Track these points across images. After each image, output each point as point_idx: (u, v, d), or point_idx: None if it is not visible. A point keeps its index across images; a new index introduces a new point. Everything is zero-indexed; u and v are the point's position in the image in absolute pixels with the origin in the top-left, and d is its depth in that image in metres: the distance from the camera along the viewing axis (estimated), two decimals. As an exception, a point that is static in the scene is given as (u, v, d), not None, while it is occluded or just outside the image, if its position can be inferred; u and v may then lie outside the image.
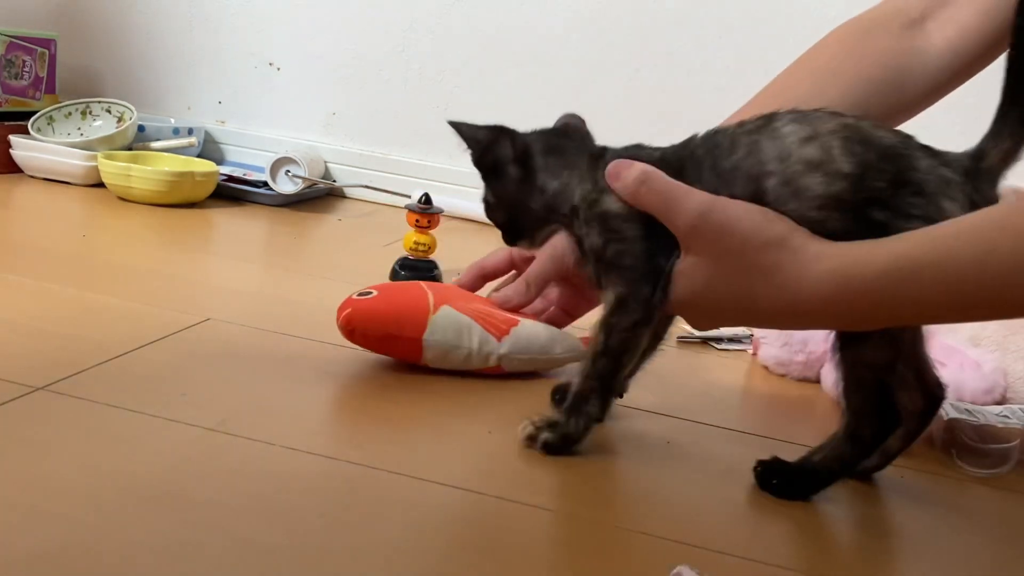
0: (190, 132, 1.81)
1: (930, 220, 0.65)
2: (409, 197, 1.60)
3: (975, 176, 0.67)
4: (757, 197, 0.69)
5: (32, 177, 1.62)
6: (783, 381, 1.05)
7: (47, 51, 1.79)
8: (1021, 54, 0.69)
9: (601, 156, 0.78)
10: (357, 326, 0.88)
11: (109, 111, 1.77)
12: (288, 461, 0.69)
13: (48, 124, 1.70)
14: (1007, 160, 0.68)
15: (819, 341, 1.03)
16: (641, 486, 0.74)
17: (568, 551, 0.63)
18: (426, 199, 1.27)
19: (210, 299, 1.08)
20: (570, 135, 0.83)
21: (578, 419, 0.75)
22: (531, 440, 0.75)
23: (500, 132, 0.81)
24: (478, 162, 0.82)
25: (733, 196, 0.69)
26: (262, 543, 0.58)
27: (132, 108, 1.73)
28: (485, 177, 0.82)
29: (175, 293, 1.08)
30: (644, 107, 1.72)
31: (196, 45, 1.92)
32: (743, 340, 1.15)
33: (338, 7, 1.85)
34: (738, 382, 1.06)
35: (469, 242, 1.64)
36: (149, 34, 1.95)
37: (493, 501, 0.67)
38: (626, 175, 0.72)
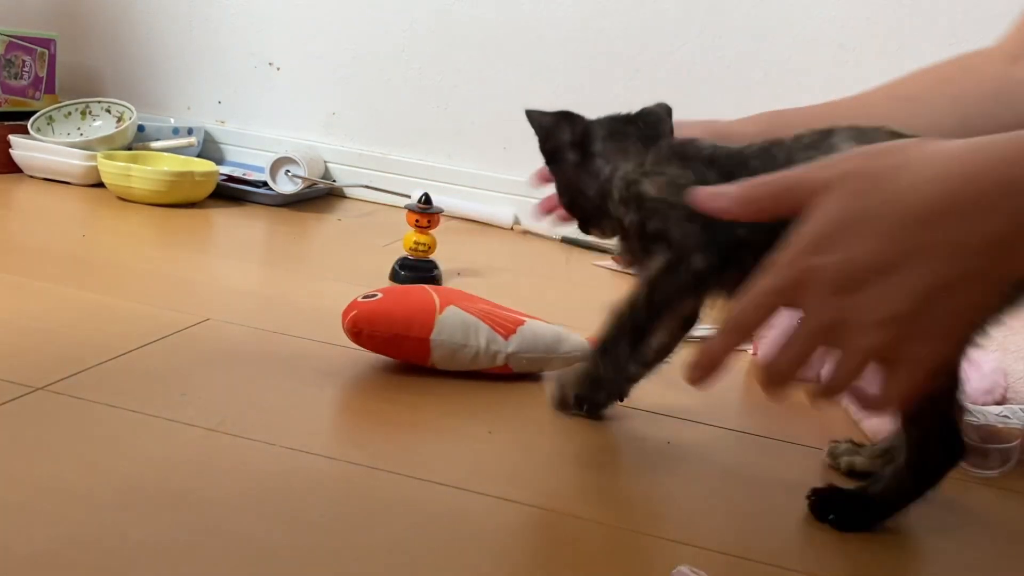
0: (190, 132, 1.81)
1: None
2: (409, 197, 1.60)
3: None
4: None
5: (32, 177, 1.62)
6: (783, 381, 1.05)
7: (47, 51, 1.79)
8: None
9: (655, 141, 0.78)
10: (364, 328, 0.88)
11: (109, 111, 1.77)
12: (288, 461, 0.69)
13: (48, 124, 1.70)
14: None
15: (819, 341, 1.03)
16: (641, 486, 0.74)
17: (568, 551, 0.62)
18: (426, 199, 1.27)
19: (210, 299, 1.08)
20: (640, 122, 0.81)
21: (606, 362, 0.74)
22: (562, 404, 0.75)
23: (562, 117, 0.80)
24: (542, 147, 0.81)
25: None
26: (262, 543, 0.58)
27: (132, 108, 1.73)
28: (548, 163, 0.82)
29: (175, 293, 1.08)
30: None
31: (196, 45, 1.93)
32: (743, 340, 1.15)
33: (338, 7, 1.85)
34: (738, 382, 1.06)
35: (469, 242, 1.64)
36: (149, 34, 1.95)
37: (493, 502, 0.67)
38: (724, 203, 0.61)
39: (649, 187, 0.73)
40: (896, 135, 0.67)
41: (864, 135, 0.68)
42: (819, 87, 1.65)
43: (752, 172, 0.68)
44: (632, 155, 0.77)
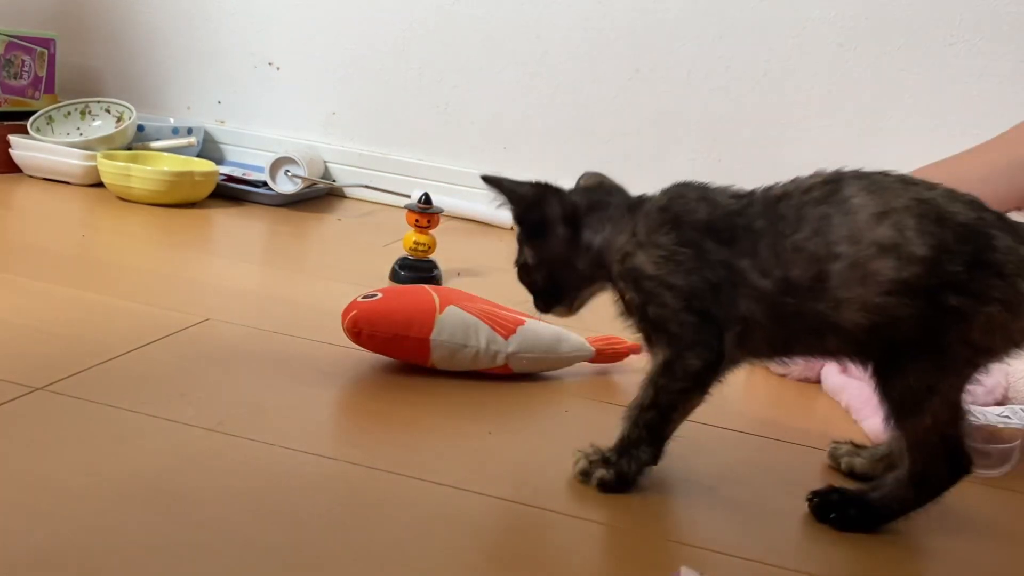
0: (189, 132, 1.81)
1: (1009, 304, 0.62)
2: (409, 197, 1.60)
3: None
4: (818, 280, 0.65)
5: (31, 177, 1.62)
6: (783, 381, 1.05)
7: (46, 51, 1.79)
8: None
9: (639, 206, 0.74)
10: (364, 328, 0.88)
11: (108, 111, 1.76)
12: (288, 461, 0.69)
13: (47, 124, 1.70)
14: None
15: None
16: (642, 487, 0.74)
17: (568, 551, 0.62)
18: (426, 199, 1.27)
19: (210, 299, 1.08)
20: (608, 189, 0.79)
21: (630, 461, 0.71)
22: (585, 475, 0.72)
23: (546, 190, 0.77)
24: (522, 219, 0.77)
25: (789, 279, 0.65)
26: (262, 543, 0.58)
27: (131, 108, 1.73)
28: (528, 236, 0.78)
29: (175, 293, 1.07)
30: (644, 107, 1.72)
31: (196, 45, 1.92)
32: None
33: (338, 7, 1.84)
34: (738, 382, 1.06)
35: (469, 242, 1.64)
36: (149, 34, 1.95)
37: (493, 502, 0.67)
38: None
39: (644, 261, 0.70)
40: (907, 184, 0.66)
41: (876, 187, 0.66)
42: (819, 87, 1.65)
43: (756, 233, 0.67)
44: (620, 222, 0.74)
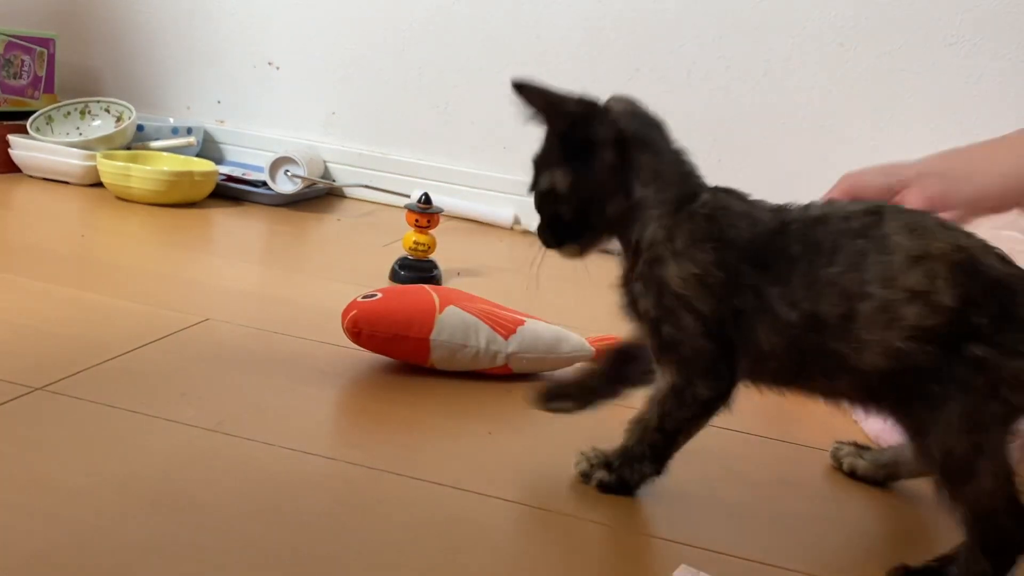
0: (189, 132, 1.81)
1: None
2: (409, 197, 1.60)
3: None
4: (846, 317, 0.62)
5: (31, 177, 1.62)
6: (783, 381, 1.05)
7: (46, 50, 1.79)
8: None
9: (690, 201, 0.68)
10: (364, 328, 0.88)
11: (108, 111, 1.76)
12: (288, 461, 0.69)
13: (47, 124, 1.70)
14: None
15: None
16: (642, 487, 0.74)
17: (568, 552, 0.62)
18: (426, 199, 1.27)
19: (209, 299, 1.08)
20: (654, 124, 0.71)
21: (632, 471, 0.70)
22: (585, 477, 0.71)
23: (593, 105, 0.69)
24: (566, 135, 0.69)
25: (817, 313, 0.63)
26: (262, 543, 0.58)
27: (131, 107, 1.73)
28: (568, 156, 0.69)
29: (174, 293, 1.07)
30: (644, 107, 1.72)
31: (196, 44, 1.92)
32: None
33: (338, 7, 1.84)
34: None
35: (469, 242, 1.64)
36: (148, 33, 1.94)
37: (493, 502, 0.67)
38: None
39: (674, 275, 0.66)
40: (949, 230, 0.64)
41: (919, 227, 0.63)
42: (819, 86, 1.65)
43: (791, 260, 0.64)
44: (666, 194, 0.68)
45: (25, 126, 1.64)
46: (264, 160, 1.68)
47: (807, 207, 0.67)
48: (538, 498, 0.69)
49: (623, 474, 0.70)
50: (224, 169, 1.71)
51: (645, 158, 0.69)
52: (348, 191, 1.85)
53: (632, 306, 0.70)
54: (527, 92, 0.71)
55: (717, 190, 0.71)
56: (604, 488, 0.70)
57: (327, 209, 1.72)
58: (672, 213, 0.68)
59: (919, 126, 1.61)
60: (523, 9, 1.76)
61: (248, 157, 1.88)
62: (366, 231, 1.61)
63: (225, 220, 1.53)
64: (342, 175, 1.87)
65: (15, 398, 0.73)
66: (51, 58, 1.80)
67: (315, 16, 1.86)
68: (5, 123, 1.66)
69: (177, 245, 1.35)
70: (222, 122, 1.93)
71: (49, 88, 1.80)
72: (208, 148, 1.90)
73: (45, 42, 1.79)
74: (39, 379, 0.76)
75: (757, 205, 0.69)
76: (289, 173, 1.64)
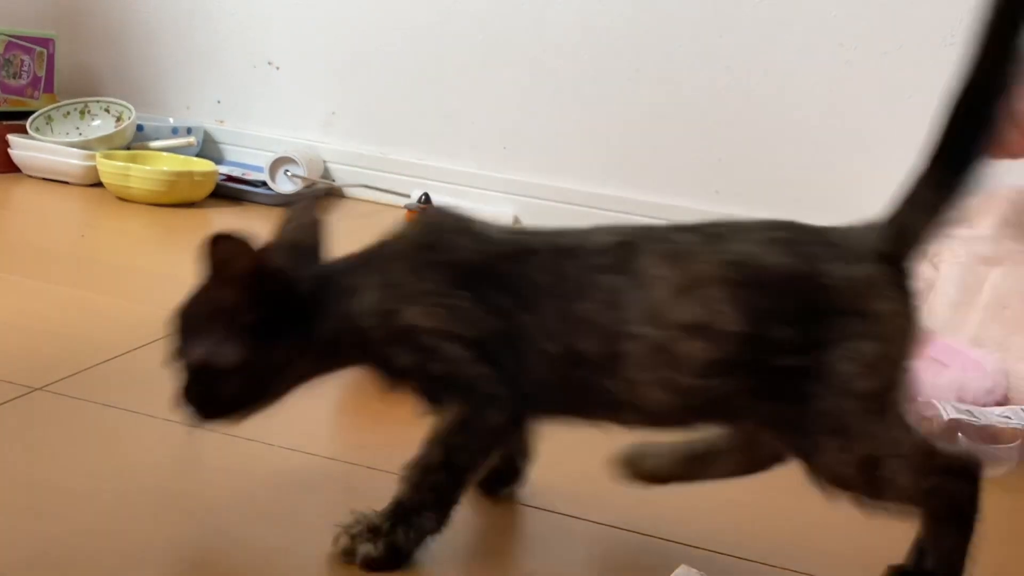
0: (189, 131, 1.81)
1: (867, 334, 0.54)
2: (409, 197, 1.60)
3: (895, 257, 0.56)
4: (611, 357, 0.56)
5: (31, 177, 1.62)
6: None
7: (46, 50, 1.79)
8: (974, 99, 0.57)
9: (380, 250, 0.63)
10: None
11: (108, 110, 1.76)
12: (288, 461, 0.69)
13: (47, 124, 1.70)
14: (923, 240, 0.57)
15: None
16: (642, 487, 0.74)
17: (568, 552, 0.62)
18: (426, 199, 1.27)
19: (209, 299, 1.07)
20: (311, 246, 0.65)
21: (408, 531, 0.58)
22: (348, 555, 0.57)
23: (263, 274, 0.59)
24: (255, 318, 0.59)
25: (577, 350, 0.56)
26: (262, 543, 0.58)
27: (131, 107, 1.73)
28: (262, 336, 0.59)
29: (174, 293, 1.07)
30: (644, 107, 1.72)
31: (195, 44, 1.92)
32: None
33: (338, 6, 1.84)
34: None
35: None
36: (148, 33, 1.94)
37: (492, 502, 0.67)
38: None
39: (417, 315, 0.58)
40: (713, 242, 0.57)
41: (677, 254, 0.57)
42: (819, 86, 1.65)
43: (539, 289, 0.58)
44: (361, 280, 0.60)
45: (25, 126, 1.64)
46: (264, 160, 1.68)
47: (558, 234, 0.61)
48: (538, 498, 0.68)
49: (396, 540, 0.57)
50: (224, 169, 1.71)
51: (327, 291, 0.61)
52: (348, 191, 1.85)
53: (391, 377, 0.61)
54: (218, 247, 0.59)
55: (421, 217, 0.66)
56: (370, 566, 0.57)
57: (327, 209, 1.72)
58: (369, 270, 0.61)
59: (919, 126, 1.60)
60: (523, 9, 1.76)
61: (248, 157, 1.88)
62: (366, 231, 1.60)
63: (225, 220, 1.53)
64: (342, 175, 1.87)
65: (15, 398, 0.72)
66: (51, 58, 1.80)
67: (315, 16, 1.86)
68: (5, 123, 1.66)
69: (177, 245, 1.35)
70: (222, 122, 1.93)
71: (49, 88, 1.80)
72: (208, 148, 1.90)
73: (45, 42, 1.79)
74: (39, 379, 0.76)
75: (482, 225, 0.62)
76: (289, 173, 1.64)
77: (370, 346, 0.60)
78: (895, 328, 0.56)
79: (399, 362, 0.59)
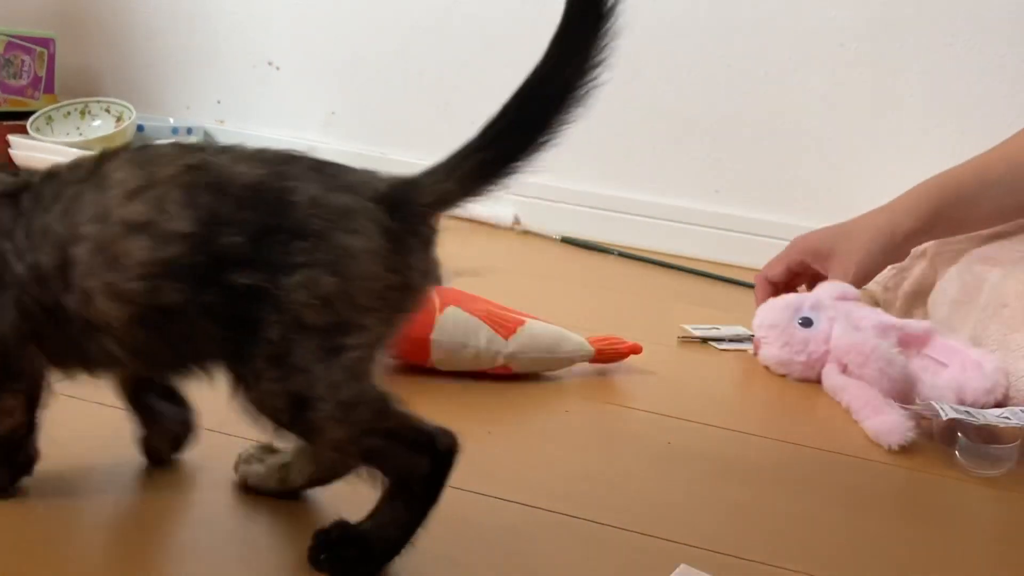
0: (189, 131, 1.81)
1: (328, 265, 0.51)
2: (409, 197, 1.59)
3: (397, 204, 0.55)
4: (64, 266, 0.53)
5: (31, 177, 1.62)
6: (783, 381, 1.05)
7: (46, 50, 1.79)
8: (542, 87, 0.58)
9: None
10: (360, 327, 0.88)
11: (108, 111, 1.77)
12: (288, 461, 0.69)
13: (47, 124, 1.70)
14: (443, 204, 0.57)
15: (820, 341, 1.03)
16: (641, 486, 0.74)
17: (568, 552, 0.62)
18: (426, 199, 1.26)
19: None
20: None
21: None
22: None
23: None
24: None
25: (39, 265, 0.54)
26: (261, 543, 0.58)
27: (131, 107, 1.73)
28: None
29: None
30: (644, 107, 1.72)
31: (195, 44, 1.92)
32: (743, 340, 1.15)
33: (338, 7, 1.84)
34: (738, 382, 1.06)
35: (469, 242, 1.64)
36: (148, 33, 1.95)
37: (492, 502, 0.67)
38: None
39: None
40: (186, 152, 0.55)
41: (144, 158, 0.55)
42: (819, 86, 1.65)
43: (19, 214, 0.56)
44: None
45: (25, 126, 1.64)
46: (264, 160, 1.68)
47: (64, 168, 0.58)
48: (538, 498, 0.68)
49: None
50: (224, 169, 1.71)
51: None
52: (348, 191, 1.85)
53: None
54: None
55: None
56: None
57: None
58: None
59: (919, 126, 1.61)
60: (523, 9, 1.76)
61: (248, 157, 1.88)
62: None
63: (225, 220, 1.53)
64: (342, 175, 1.87)
65: (15, 398, 0.72)
66: (51, 58, 1.80)
67: (315, 16, 1.86)
68: (5, 123, 1.66)
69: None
70: (222, 122, 1.93)
71: (49, 88, 1.80)
72: (208, 148, 1.90)
73: (45, 42, 1.79)
74: (39, 379, 0.76)
75: None
76: (289, 173, 1.64)
77: None
78: (363, 269, 0.52)
79: None
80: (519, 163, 0.55)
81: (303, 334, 0.51)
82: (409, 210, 0.55)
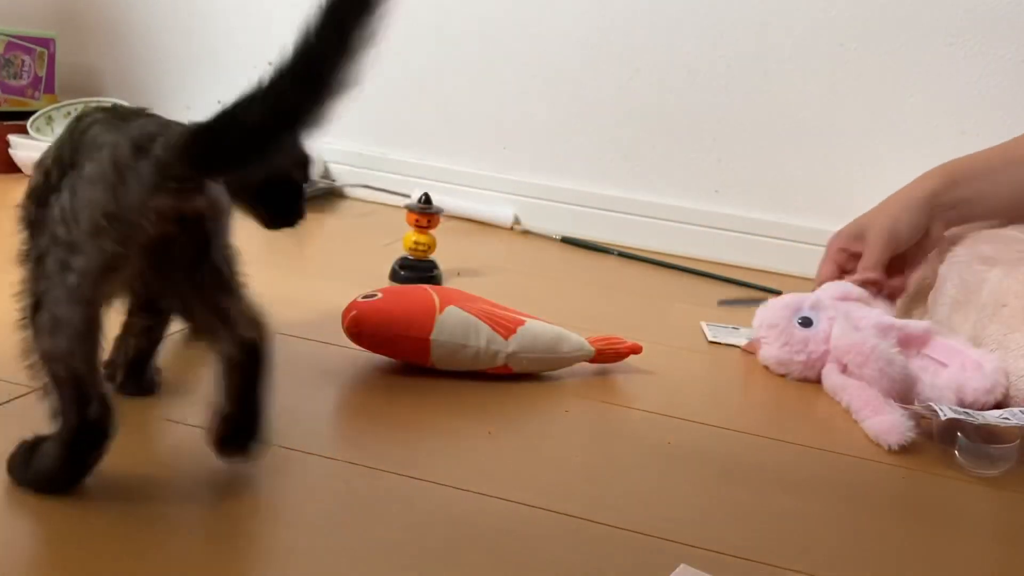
0: (189, 132, 1.81)
1: (71, 188, 0.58)
2: (409, 197, 1.60)
3: (141, 147, 0.58)
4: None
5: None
6: (783, 381, 1.05)
7: (46, 50, 1.79)
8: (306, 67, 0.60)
9: None
10: (364, 328, 0.88)
11: (108, 111, 1.76)
12: (287, 461, 0.69)
13: (47, 124, 1.70)
14: (168, 167, 0.58)
15: (820, 341, 1.03)
16: (641, 486, 0.74)
17: (568, 552, 0.62)
18: (426, 199, 1.27)
19: (210, 299, 1.07)
20: None
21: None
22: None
23: None
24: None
25: None
26: (262, 544, 0.58)
27: (131, 108, 1.73)
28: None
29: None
30: (644, 107, 1.72)
31: (195, 44, 1.92)
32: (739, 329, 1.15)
33: (338, 7, 1.84)
34: (738, 382, 1.06)
35: (469, 242, 1.64)
36: (148, 33, 1.95)
37: (493, 502, 0.67)
38: None
39: None
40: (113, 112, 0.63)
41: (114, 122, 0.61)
42: (819, 86, 1.65)
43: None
44: None
45: (25, 126, 1.64)
46: (264, 160, 1.68)
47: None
48: (538, 498, 0.69)
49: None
50: (224, 169, 1.71)
51: None
52: (348, 191, 1.85)
53: None
54: None
55: None
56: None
57: (327, 209, 1.72)
58: None
59: (919, 126, 1.61)
60: (523, 9, 1.76)
61: (248, 157, 1.88)
62: (366, 231, 1.61)
63: (225, 220, 1.53)
64: (342, 175, 1.87)
65: (14, 398, 0.73)
66: (51, 58, 1.80)
67: (315, 16, 1.86)
68: (5, 123, 1.66)
69: (177, 245, 1.35)
70: (222, 122, 1.93)
71: (49, 88, 1.80)
72: (208, 148, 1.90)
73: (45, 42, 1.79)
74: (39, 379, 0.76)
75: None
76: (289, 173, 1.64)
77: None
78: (88, 194, 0.58)
79: None
80: (259, 148, 0.63)
81: (55, 245, 0.58)
82: (148, 153, 0.59)
